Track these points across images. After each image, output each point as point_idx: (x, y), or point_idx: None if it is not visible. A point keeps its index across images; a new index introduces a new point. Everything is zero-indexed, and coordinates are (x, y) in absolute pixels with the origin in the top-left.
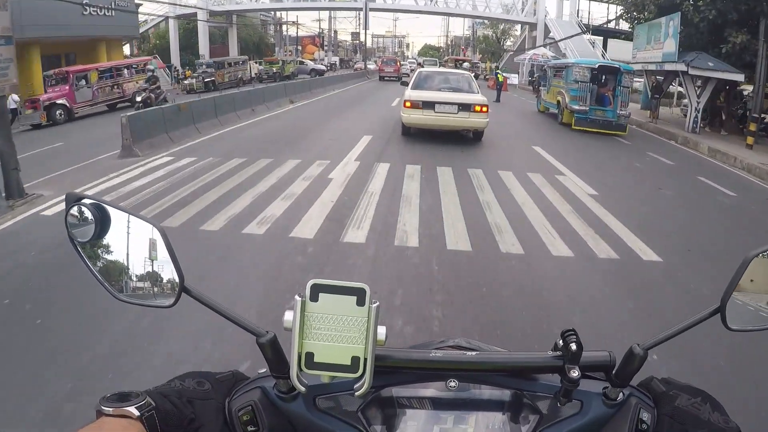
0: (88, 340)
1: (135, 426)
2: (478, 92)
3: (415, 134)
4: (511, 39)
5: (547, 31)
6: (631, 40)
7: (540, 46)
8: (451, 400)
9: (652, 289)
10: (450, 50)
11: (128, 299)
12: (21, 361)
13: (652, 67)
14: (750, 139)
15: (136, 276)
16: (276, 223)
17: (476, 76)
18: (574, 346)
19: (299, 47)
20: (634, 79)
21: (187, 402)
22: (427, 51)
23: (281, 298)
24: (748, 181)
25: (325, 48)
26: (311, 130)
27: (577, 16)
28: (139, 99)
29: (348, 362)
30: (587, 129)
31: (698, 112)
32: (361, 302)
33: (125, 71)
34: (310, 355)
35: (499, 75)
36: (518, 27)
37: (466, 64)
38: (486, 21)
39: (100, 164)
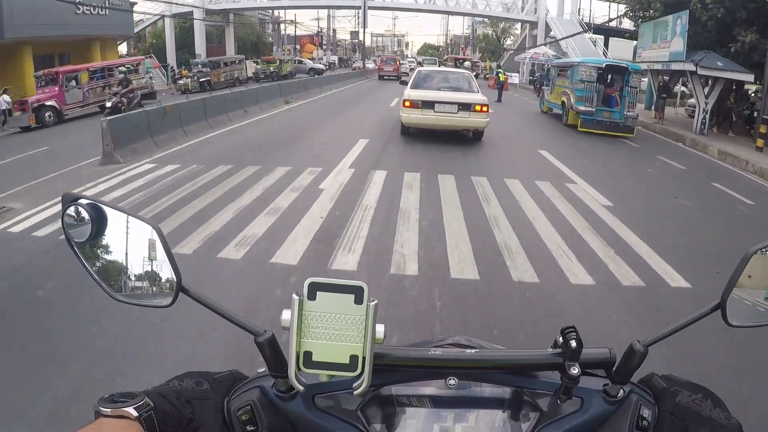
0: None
1: (133, 426)
2: (479, 91)
3: (414, 136)
4: (512, 38)
5: (547, 29)
6: (634, 38)
7: (541, 45)
8: (450, 398)
9: (691, 328)
10: (449, 49)
11: (126, 299)
12: None
13: (658, 66)
14: (760, 142)
15: (134, 276)
16: (257, 245)
17: (476, 76)
18: (574, 343)
19: (298, 46)
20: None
21: (186, 402)
22: (427, 50)
23: (254, 347)
24: (764, 187)
25: (324, 47)
26: (305, 132)
27: (578, 14)
28: (108, 104)
29: (346, 361)
30: (594, 131)
31: (706, 113)
32: (359, 300)
33: (117, 71)
34: (308, 354)
35: (500, 74)
36: (518, 25)
37: (467, 63)
38: (486, 19)
39: (79, 172)
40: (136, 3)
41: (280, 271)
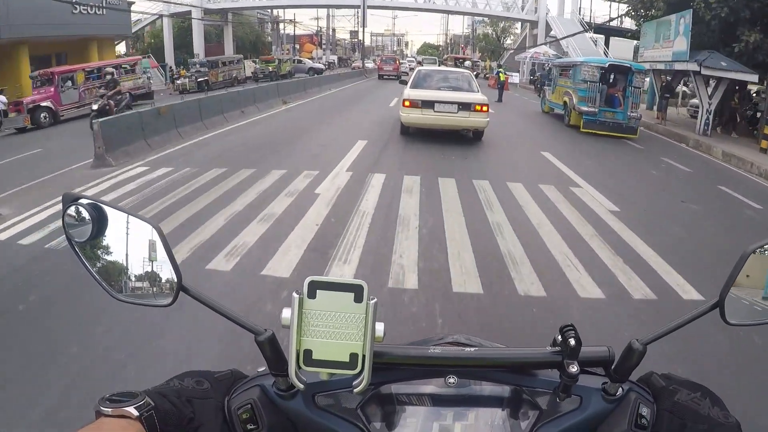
0: None
1: (134, 426)
2: (479, 91)
3: (414, 136)
4: (512, 37)
5: (548, 29)
6: (635, 38)
7: (541, 44)
8: (450, 396)
9: (701, 341)
10: (449, 49)
11: (127, 299)
12: None
13: (661, 66)
14: (764, 143)
15: (135, 276)
16: (248, 254)
17: (476, 75)
18: (572, 342)
19: (297, 46)
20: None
21: (186, 401)
22: (426, 49)
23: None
24: None
25: (324, 46)
26: (302, 134)
27: (579, 13)
28: (95, 107)
29: (346, 359)
30: (596, 132)
31: (709, 114)
32: (358, 299)
33: (113, 71)
34: (308, 353)
35: (501, 74)
36: (518, 25)
37: (467, 63)
38: (486, 19)
39: (70, 175)
40: (133, 2)
41: (271, 285)
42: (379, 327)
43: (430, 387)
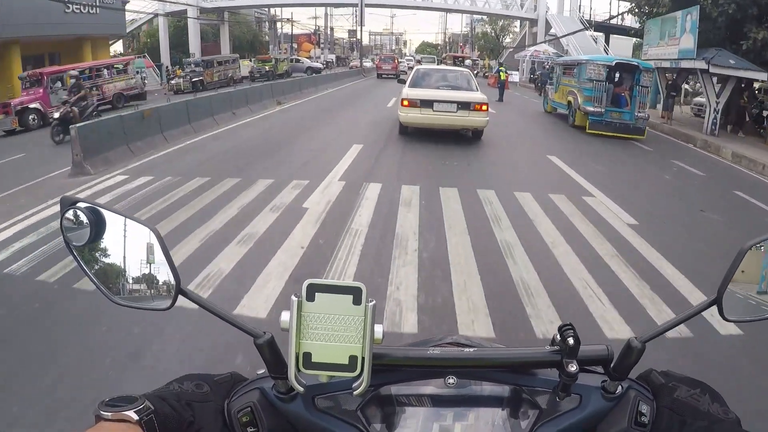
0: None
1: (134, 430)
2: (478, 90)
3: (412, 138)
4: (511, 35)
5: (548, 27)
6: (638, 36)
7: (541, 43)
8: (450, 396)
9: (745, 387)
10: (448, 47)
11: (125, 302)
12: None
13: (667, 64)
14: None
15: (133, 279)
16: (220, 287)
17: (475, 74)
18: (571, 341)
19: (294, 45)
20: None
21: (186, 405)
22: (425, 48)
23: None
24: None
25: (322, 46)
26: (295, 137)
27: (579, 11)
28: (56, 115)
29: (346, 361)
30: (603, 133)
31: (717, 113)
32: (357, 301)
33: (105, 72)
34: (307, 355)
35: (501, 72)
36: (517, 23)
37: (467, 62)
38: (485, 17)
39: (46, 185)
40: (128, 1)
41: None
42: (378, 329)
43: (429, 388)
